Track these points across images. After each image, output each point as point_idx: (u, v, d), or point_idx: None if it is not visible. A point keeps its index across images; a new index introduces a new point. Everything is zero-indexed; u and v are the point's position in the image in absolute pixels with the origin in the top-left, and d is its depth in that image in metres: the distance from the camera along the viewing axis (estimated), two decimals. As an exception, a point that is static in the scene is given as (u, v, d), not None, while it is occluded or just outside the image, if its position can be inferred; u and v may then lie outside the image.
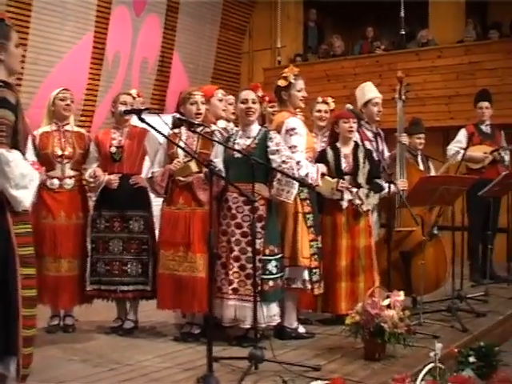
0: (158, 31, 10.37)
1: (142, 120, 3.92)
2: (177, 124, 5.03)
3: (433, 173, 6.75)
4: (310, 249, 4.92)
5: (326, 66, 10.64)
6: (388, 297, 4.53)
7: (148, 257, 5.14)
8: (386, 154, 6.27)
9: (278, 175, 4.67)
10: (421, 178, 5.32)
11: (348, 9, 11.59)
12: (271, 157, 4.73)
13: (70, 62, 9.25)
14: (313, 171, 4.90)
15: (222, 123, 5.44)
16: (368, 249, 5.43)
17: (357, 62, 10.41)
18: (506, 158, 7.55)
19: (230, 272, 4.74)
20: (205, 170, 4.81)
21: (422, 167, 6.75)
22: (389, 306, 4.42)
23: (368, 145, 5.97)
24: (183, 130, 5.03)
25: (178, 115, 4.47)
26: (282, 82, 5.04)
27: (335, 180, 5.32)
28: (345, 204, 5.38)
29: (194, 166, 4.85)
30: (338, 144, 5.55)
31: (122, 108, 4.57)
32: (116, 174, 5.15)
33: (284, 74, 5.05)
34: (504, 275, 7.43)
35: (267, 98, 5.08)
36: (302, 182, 4.76)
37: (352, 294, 5.37)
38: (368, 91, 6.17)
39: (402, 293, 4.59)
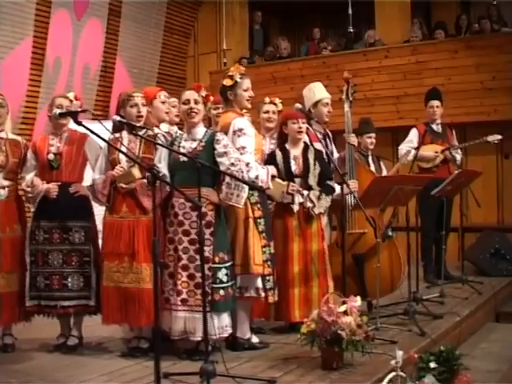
0: (99, 35, 10.05)
1: (79, 123, 3.66)
2: (117, 128, 4.77)
3: (384, 173, 6.66)
4: (263, 255, 4.71)
5: (272, 68, 10.46)
6: (344, 302, 4.35)
7: (90, 269, 4.87)
8: (336, 155, 6.11)
9: (227, 179, 4.46)
10: (374, 179, 5.17)
11: (293, 10, 11.45)
12: (219, 159, 4.51)
13: (8, 68, 8.86)
14: (263, 173, 4.69)
15: (164, 126, 5.19)
16: (321, 253, 5.24)
17: (303, 63, 10.25)
18: (458, 157, 7.48)
19: (179, 282, 4.50)
20: (148, 175, 4.57)
21: (373, 167, 6.64)
22: (345, 313, 4.24)
23: (318, 146, 5.80)
24: (124, 133, 4.79)
25: (118, 118, 4.21)
26: (227, 81, 4.82)
27: (286, 183, 5.13)
28: (296, 207, 5.19)
29: (136, 171, 4.61)
30: (287, 145, 5.36)
31: (58, 111, 4.28)
32: (55, 183, 4.86)
33: (229, 73, 4.83)
34: (457, 275, 7.32)
35: (211, 98, 4.84)
36: (252, 186, 4.55)
37: (306, 300, 5.18)
38: (318, 91, 5.99)
39: (358, 298, 4.42)
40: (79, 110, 3.76)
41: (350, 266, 5.70)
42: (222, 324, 4.50)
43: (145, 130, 4.79)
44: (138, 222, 4.64)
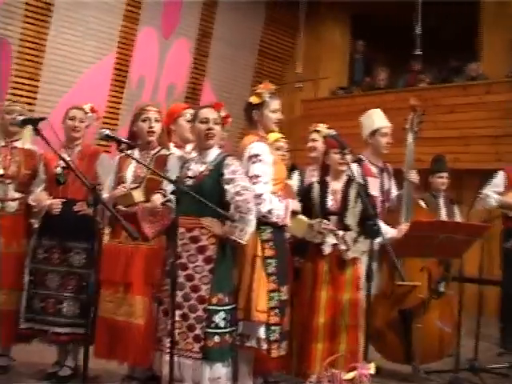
0: (187, 56, 9.78)
1: (38, 132, 3.23)
2: (129, 144, 4.33)
3: (457, 219, 5.86)
4: (270, 301, 4.06)
5: (366, 100, 9.76)
6: (354, 368, 3.65)
7: (88, 296, 4.41)
8: (394, 192, 5.40)
9: (232, 209, 3.89)
10: (412, 223, 4.39)
11: (398, 41, 10.74)
12: (225, 187, 3.96)
13: (89, 83, 8.74)
14: (279, 207, 4.08)
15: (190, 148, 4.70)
16: (353, 304, 4.49)
17: (398, 95, 9.48)
18: (551, 206, 6.50)
19: (170, 321, 3.94)
20: (154, 198, 4.12)
21: (443, 212, 5.88)
22: (352, 381, 3.54)
23: (373, 181, 5.15)
24: (136, 152, 4.34)
25: (106, 131, 3.73)
26: (254, 99, 4.28)
27: (317, 220, 4.49)
28: (327, 249, 4.52)
29: (138, 194, 4.15)
30: (328, 178, 4.73)
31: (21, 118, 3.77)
32: (60, 199, 4.49)
33: (257, 91, 4.28)
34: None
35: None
36: (263, 220, 3.97)
37: (330, 357, 4.46)
38: (377, 119, 5.37)
39: (372, 365, 3.70)
40: (39, 117, 3.31)
41: (395, 323, 4.98)
42: (214, 375, 3.91)
43: (158, 149, 4.33)
44: (136, 250, 4.17)
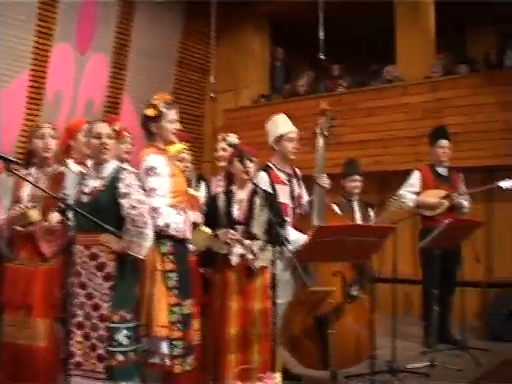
0: (104, 70, 9.62)
1: None
2: (26, 163, 4.21)
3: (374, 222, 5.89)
4: (171, 315, 3.97)
5: (287, 106, 9.68)
6: (260, 379, 3.59)
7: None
8: (306, 198, 5.38)
9: (127, 224, 3.80)
10: (317, 228, 4.36)
11: (317, 47, 10.80)
12: (120, 201, 3.86)
13: (4, 103, 8.50)
14: (178, 220, 4.00)
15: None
16: (264, 313, 4.45)
17: (318, 101, 9.49)
18: (466, 204, 6.59)
19: (72, 342, 3.83)
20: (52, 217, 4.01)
21: (358, 215, 5.89)
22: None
23: (282, 189, 5.12)
24: (33, 170, 4.22)
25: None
26: (149, 112, 4.18)
27: (223, 231, 4.44)
28: (234, 259, 4.48)
29: (34, 214, 4.04)
30: (234, 187, 4.68)
31: None
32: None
33: (153, 102, 4.19)
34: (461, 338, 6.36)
35: (126, 134, 4.21)
36: (162, 233, 3.89)
37: (244, 368, 4.40)
38: (282, 124, 5.32)
39: (277, 375, 3.65)
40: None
41: (311, 330, 4.95)
42: (119, 396, 3.80)
43: (55, 167, 4.22)
44: (35, 271, 4.05)
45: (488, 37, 10.28)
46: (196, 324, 4.54)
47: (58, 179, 4.15)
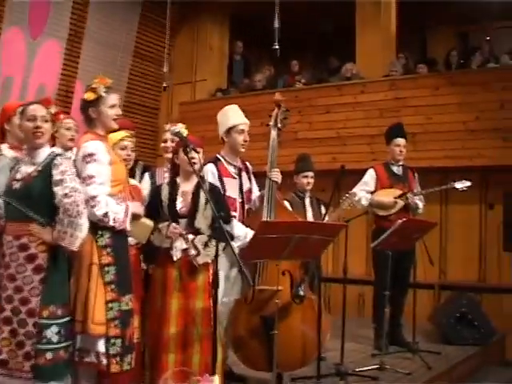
0: (57, 57, 9.32)
1: None
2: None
3: (326, 220, 5.71)
4: (109, 312, 3.69)
5: (243, 101, 9.45)
6: (198, 381, 3.39)
7: None
8: (256, 193, 5.19)
9: (60, 213, 3.55)
10: (260, 224, 4.15)
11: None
12: (54, 188, 3.60)
13: None
14: (117, 210, 3.74)
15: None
16: (206, 312, 4.24)
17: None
18: (420, 204, 6.48)
19: (-1, 338, 3.58)
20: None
21: (310, 212, 5.76)
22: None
23: (230, 182, 4.92)
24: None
25: None
26: (88, 96, 3.91)
27: (165, 224, 4.23)
28: (177, 254, 4.27)
29: None
30: (179, 179, 4.46)
31: None
32: None
33: (92, 85, 3.94)
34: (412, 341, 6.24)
35: (62, 117, 3.95)
36: (99, 224, 3.66)
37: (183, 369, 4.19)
38: (232, 116, 5.11)
39: (215, 378, 3.45)
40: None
41: (258, 330, 4.75)
42: (47, 396, 3.55)
43: (-14, 151, 3.96)
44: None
45: (448, 37, 10.24)
46: (135, 321, 4.32)
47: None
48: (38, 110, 3.74)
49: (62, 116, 4.80)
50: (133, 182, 4.65)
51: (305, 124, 8.82)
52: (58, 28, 9.23)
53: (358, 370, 5.32)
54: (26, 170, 3.71)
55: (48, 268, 3.60)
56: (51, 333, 3.57)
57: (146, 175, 5.05)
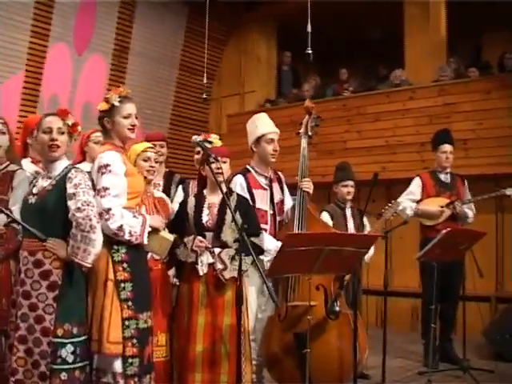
0: (103, 72, 9.34)
1: None
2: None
3: (367, 231, 5.48)
4: (126, 330, 3.54)
5: (291, 111, 9.37)
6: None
7: None
8: (289, 203, 4.99)
9: (73, 228, 3.44)
10: (286, 236, 3.93)
11: (326, 51, 10.44)
12: (68, 202, 3.50)
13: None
14: (133, 223, 3.59)
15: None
16: (234, 329, 4.02)
17: (323, 106, 9.07)
18: (470, 213, 6.17)
19: (14, 358, 3.47)
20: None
21: (351, 224, 5.51)
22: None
23: (260, 194, 4.74)
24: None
25: None
26: (102, 106, 3.82)
27: (191, 237, 4.08)
28: (203, 269, 4.10)
29: None
30: (206, 191, 4.32)
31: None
32: None
33: (106, 96, 3.84)
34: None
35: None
36: (115, 238, 3.53)
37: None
38: (261, 125, 4.91)
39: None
40: None
41: (291, 347, 4.54)
42: (62, 418, 3.42)
43: (5, 165, 3.89)
44: (-21, 278, 3.70)
45: (505, 40, 9.81)
46: (162, 339, 4.18)
47: (5, 179, 3.80)
48: (54, 122, 3.64)
49: (91, 130, 4.71)
50: (158, 194, 4.52)
51: (353, 133, 8.58)
52: (103, 43, 9.25)
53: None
54: (42, 183, 3.61)
55: (63, 285, 3.49)
56: (66, 352, 3.45)
57: (180, 188, 4.94)
